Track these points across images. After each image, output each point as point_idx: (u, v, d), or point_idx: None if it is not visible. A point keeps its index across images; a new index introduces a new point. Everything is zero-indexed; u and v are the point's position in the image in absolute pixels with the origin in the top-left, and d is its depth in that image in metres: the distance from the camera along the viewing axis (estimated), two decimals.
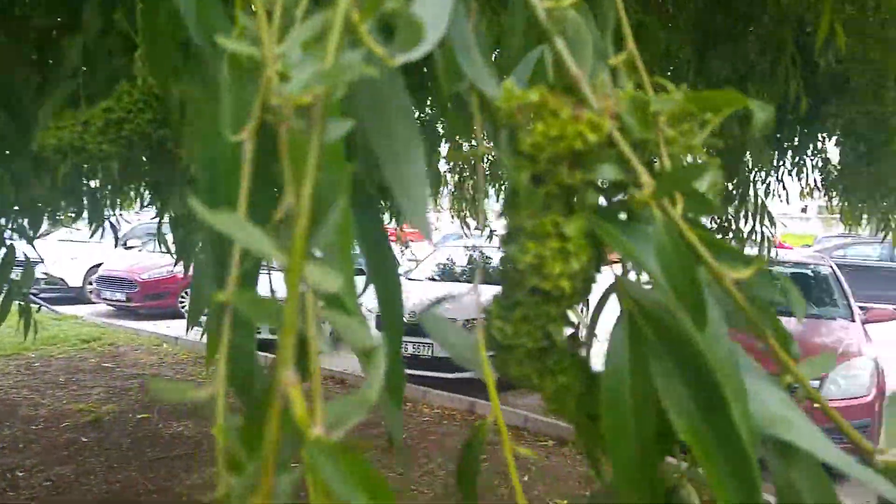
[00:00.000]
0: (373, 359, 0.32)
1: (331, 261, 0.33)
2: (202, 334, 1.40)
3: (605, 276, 0.45)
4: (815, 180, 4.49)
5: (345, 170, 0.32)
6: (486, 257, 6.93)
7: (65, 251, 9.13)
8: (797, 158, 4.38)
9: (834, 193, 4.36)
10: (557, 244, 0.41)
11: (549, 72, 0.49)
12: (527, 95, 0.40)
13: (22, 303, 2.27)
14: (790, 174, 4.43)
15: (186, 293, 8.54)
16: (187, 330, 1.42)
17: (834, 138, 4.03)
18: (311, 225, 0.31)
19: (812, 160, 4.40)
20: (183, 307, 8.36)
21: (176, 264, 2.13)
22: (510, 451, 0.43)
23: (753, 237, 3.69)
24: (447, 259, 7.28)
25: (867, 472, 0.34)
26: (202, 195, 0.41)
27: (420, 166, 0.45)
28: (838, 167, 4.17)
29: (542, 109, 0.40)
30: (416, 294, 5.38)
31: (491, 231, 5.07)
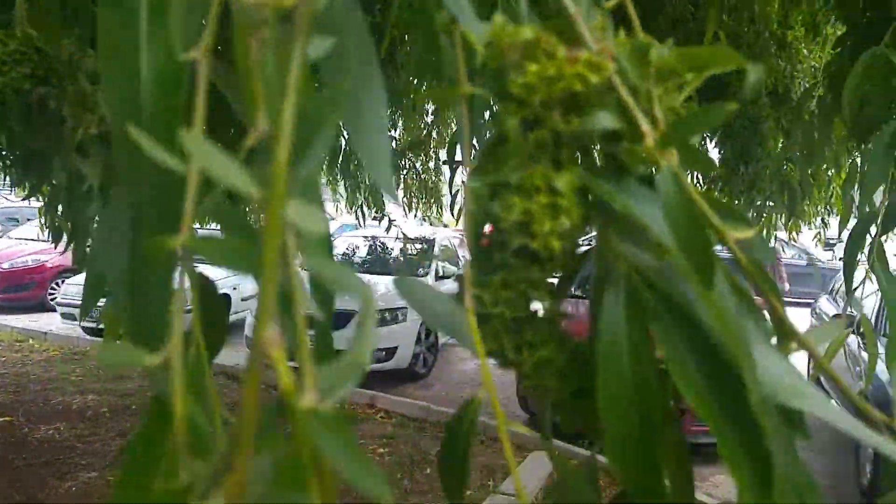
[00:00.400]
0: (364, 313, 0.27)
1: (310, 198, 0.27)
2: (101, 319, 1.26)
3: None
4: (698, 179, 4.75)
5: (337, 87, 0.26)
6: (386, 248, 6.83)
7: None
8: None
9: (715, 193, 4.63)
10: (547, 199, 0.37)
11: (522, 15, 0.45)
12: (520, 32, 0.36)
13: None
14: None
15: (58, 284, 7.84)
16: (81, 318, 1.27)
17: (714, 139, 4.28)
18: (292, 154, 0.25)
19: None
20: (53, 299, 7.66)
21: (60, 249, 1.92)
22: (506, 437, 0.39)
23: None
24: (347, 249, 7.12)
25: (881, 439, 0.32)
26: (119, 144, 0.33)
27: (385, 136, 0.40)
28: (718, 167, 4.43)
29: (535, 49, 0.36)
30: None
31: (390, 221, 4.98)
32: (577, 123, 0.36)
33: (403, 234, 5.64)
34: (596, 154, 0.42)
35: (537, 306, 0.41)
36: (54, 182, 1.49)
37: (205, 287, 0.41)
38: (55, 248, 1.89)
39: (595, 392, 0.38)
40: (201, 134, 0.26)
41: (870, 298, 1.34)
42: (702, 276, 0.33)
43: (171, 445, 0.28)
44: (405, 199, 5.80)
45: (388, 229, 5.06)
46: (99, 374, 5.55)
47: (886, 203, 1.46)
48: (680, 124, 0.35)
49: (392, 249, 6.61)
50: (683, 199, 0.34)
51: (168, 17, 0.31)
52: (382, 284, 5.42)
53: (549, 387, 0.40)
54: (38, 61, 0.93)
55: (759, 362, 0.34)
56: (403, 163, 5.57)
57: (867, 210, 1.52)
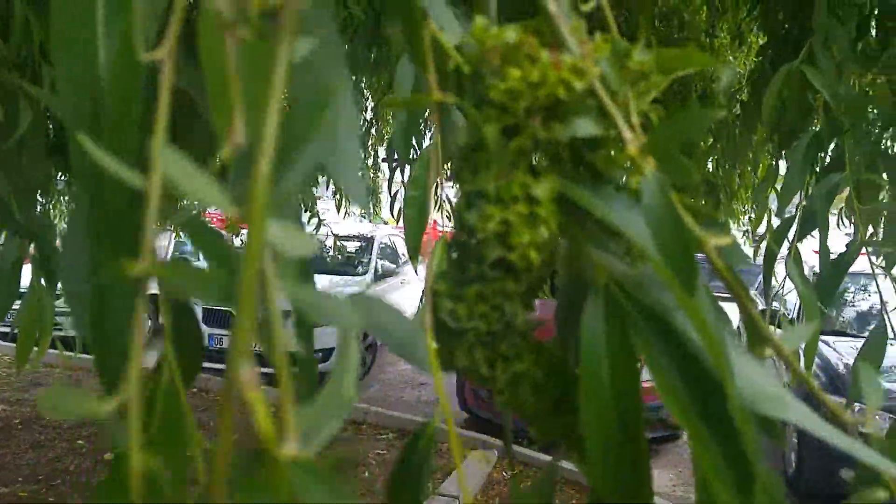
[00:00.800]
0: (345, 348, 0.25)
1: (291, 216, 0.25)
2: (14, 324, 1.17)
3: None
4: None
5: (328, 88, 0.24)
6: (323, 245, 6.70)
7: None
8: None
9: None
10: (526, 209, 0.36)
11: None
12: (503, 35, 0.35)
13: None
14: None
15: None
16: None
17: None
18: (275, 169, 0.23)
19: None
20: None
21: None
22: (456, 443, 0.38)
23: None
24: None
25: (856, 445, 0.33)
26: (76, 153, 0.30)
27: (356, 144, 0.39)
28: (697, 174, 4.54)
29: (516, 53, 0.35)
30: None
31: (319, 220, 4.85)
32: (560, 130, 0.35)
33: (334, 234, 5.53)
34: (565, 162, 0.41)
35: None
36: None
37: (177, 308, 0.38)
38: None
39: (574, 404, 0.37)
40: (165, 143, 0.24)
41: (793, 293, 1.39)
42: (685, 284, 0.33)
43: None
44: (336, 197, 5.69)
45: (316, 228, 4.94)
46: (10, 383, 5.22)
47: (803, 209, 1.53)
48: (664, 131, 0.34)
49: (330, 248, 6.50)
50: (666, 206, 0.33)
51: (126, 10, 0.28)
52: (319, 282, 5.28)
53: (524, 401, 0.39)
54: None
55: (738, 371, 0.34)
56: None
57: (785, 215, 1.60)
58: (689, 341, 0.35)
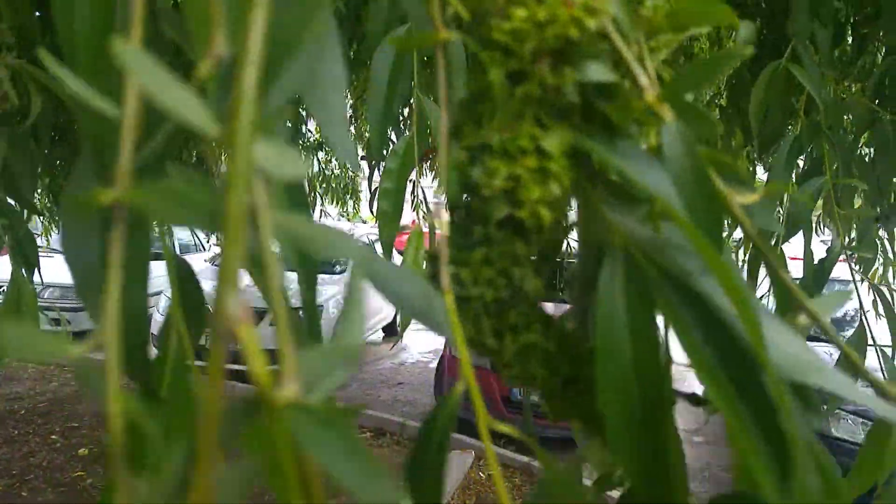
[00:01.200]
0: (353, 292, 0.22)
1: (281, 136, 0.21)
2: None
3: None
4: None
5: (310, 4, 0.21)
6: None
7: None
8: None
9: None
10: (535, 163, 0.33)
11: None
12: None
13: None
14: None
15: None
16: None
17: None
18: (260, 81, 0.19)
19: None
20: None
21: None
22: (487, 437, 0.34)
23: None
24: None
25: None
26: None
27: (341, 96, 0.35)
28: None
29: None
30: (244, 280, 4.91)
31: None
32: (570, 75, 0.32)
33: None
34: (574, 114, 0.38)
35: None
36: None
37: (181, 267, 0.36)
38: None
39: (590, 381, 0.34)
40: (140, 52, 0.20)
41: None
42: (714, 242, 0.30)
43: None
44: (311, 195, 5.61)
45: None
46: None
47: (787, 213, 1.52)
48: (682, 78, 0.31)
49: None
50: (691, 158, 0.30)
51: None
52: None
53: (534, 375, 0.36)
54: None
55: (770, 338, 0.31)
56: (316, 157, 5.44)
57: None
58: (717, 308, 0.32)
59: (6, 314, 1.08)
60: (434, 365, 5.58)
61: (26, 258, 1.03)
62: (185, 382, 0.37)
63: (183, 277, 0.40)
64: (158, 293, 6.59)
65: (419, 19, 0.36)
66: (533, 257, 0.35)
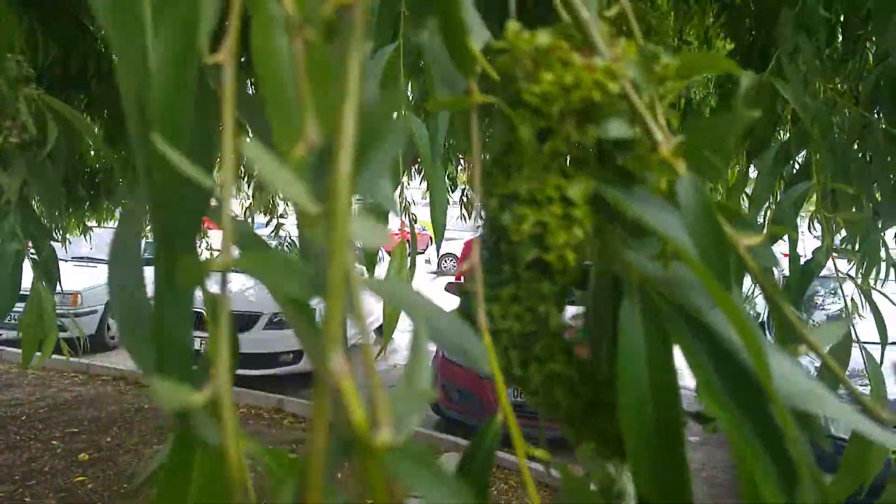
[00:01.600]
0: (418, 343, 0.25)
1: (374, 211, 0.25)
2: (19, 328, 1.16)
3: None
4: None
5: (396, 91, 0.24)
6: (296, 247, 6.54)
7: None
8: None
9: None
10: (561, 210, 0.36)
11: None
12: (535, 39, 0.35)
13: None
14: None
15: None
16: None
17: None
18: (355, 164, 0.23)
19: None
20: None
21: None
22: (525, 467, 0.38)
23: None
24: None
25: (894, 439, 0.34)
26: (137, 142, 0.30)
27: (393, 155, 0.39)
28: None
29: (548, 56, 0.36)
30: (236, 283, 4.88)
31: (278, 223, 4.74)
32: (594, 133, 0.36)
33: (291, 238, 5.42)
34: (591, 163, 0.42)
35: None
36: None
37: (217, 305, 0.39)
38: None
39: (608, 405, 0.37)
40: (240, 143, 0.24)
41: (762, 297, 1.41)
42: (723, 282, 0.33)
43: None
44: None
45: (275, 232, 4.83)
46: None
47: (772, 216, 1.57)
48: (697, 134, 0.35)
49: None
50: (703, 207, 0.34)
51: (170, 14, 0.28)
52: None
53: (559, 402, 0.39)
54: None
55: (774, 368, 0.34)
56: None
57: (757, 222, 1.64)
58: (725, 340, 0.36)
59: (29, 320, 1.12)
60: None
61: (49, 274, 1.08)
62: (223, 420, 0.39)
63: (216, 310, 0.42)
64: None
65: (449, 81, 0.40)
66: (556, 293, 0.39)
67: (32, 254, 1.05)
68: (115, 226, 0.42)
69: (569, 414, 0.40)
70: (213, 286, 0.27)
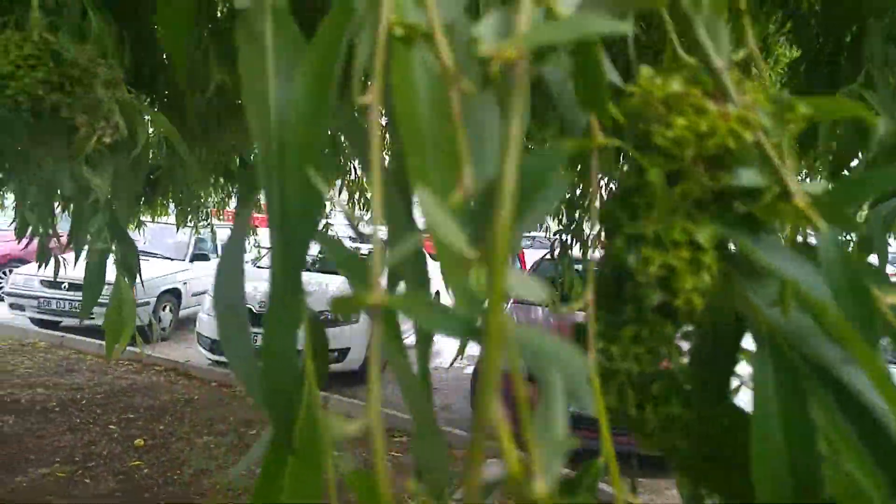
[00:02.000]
0: (552, 391, 0.25)
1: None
2: (104, 325, 1.24)
3: None
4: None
5: (561, 144, 0.25)
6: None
7: None
8: None
9: None
10: (689, 254, 0.36)
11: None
12: (668, 85, 0.35)
13: None
14: None
15: (5, 273, 7.43)
16: (80, 321, 1.30)
17: None
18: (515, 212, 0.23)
19: None
20: (0, 289, 7.15)
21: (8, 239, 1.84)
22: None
23: None
24: None
25: None
26: (264, 179, 0.32)
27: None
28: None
29: (681, 102, 0.35)
30: (265, 283, 4.94)
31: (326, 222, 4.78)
32: (727, 180, 0.35)
33: (358, 233, 5.40)
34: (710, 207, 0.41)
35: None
36: (60, 192, 1.44)
37: (313, 320, 0.40)
38: (18, 242, 1.80)
39: (733, 456, 0.36)
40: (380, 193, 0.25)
41: None
42: (867, 339, 0.32)
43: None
44: (347, 198, 5.57)
45: (325, 229, 4.85)
46: (47, 367, 5.36)
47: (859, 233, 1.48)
48: (845, 189, 0.34)
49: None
50: (845, 262, 0.33)
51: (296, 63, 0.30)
52: (334, 284, 5.32)
53: (676, 446, 0.39)
54: (54, 67, 0.90)
55: None
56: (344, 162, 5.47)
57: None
58: (860, 395, 0.34)
59: (111, 313, 1.20)
60: (469, 371, 5.54)
61: (129, 269, 1.15)
62: (315, 433, 0.39)
63: (314, 326, 0.43)
64: (203, 293, 6.77)
65: (570, 120, 0.40)
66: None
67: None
68: (226, 239, 0.45)
69: (687, 463, 0.39)
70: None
